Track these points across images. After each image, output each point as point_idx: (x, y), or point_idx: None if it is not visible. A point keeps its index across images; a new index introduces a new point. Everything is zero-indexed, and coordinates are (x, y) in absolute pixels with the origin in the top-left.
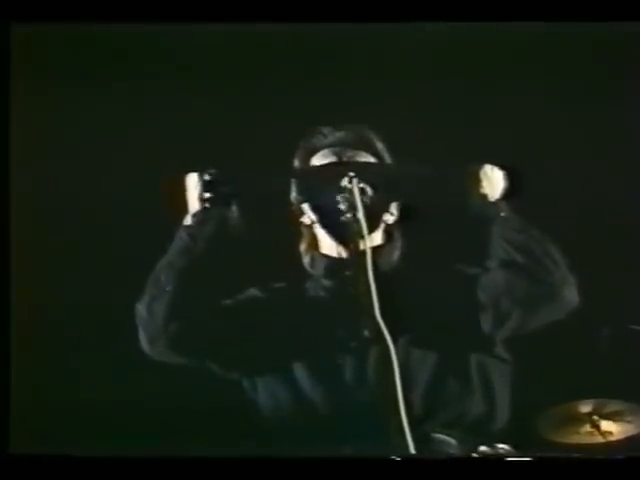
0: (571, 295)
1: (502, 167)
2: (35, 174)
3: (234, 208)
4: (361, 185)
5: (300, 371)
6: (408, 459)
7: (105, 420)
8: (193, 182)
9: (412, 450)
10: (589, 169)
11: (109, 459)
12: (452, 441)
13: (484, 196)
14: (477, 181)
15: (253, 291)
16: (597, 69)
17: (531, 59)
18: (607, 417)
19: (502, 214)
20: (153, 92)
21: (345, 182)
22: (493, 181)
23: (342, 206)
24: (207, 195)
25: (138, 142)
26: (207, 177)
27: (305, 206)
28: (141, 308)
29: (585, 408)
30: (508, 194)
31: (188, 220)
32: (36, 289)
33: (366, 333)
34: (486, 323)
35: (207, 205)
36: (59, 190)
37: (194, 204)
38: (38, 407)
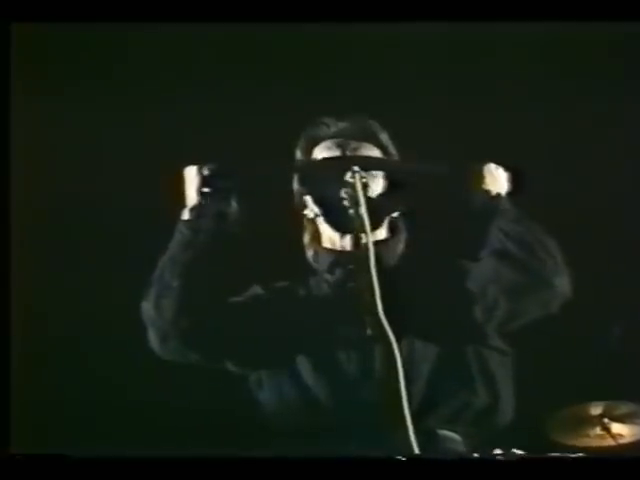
0: (563, 286)
1: (506, 167)
2: (35, 174)
3: (234, 202)
4: (364, 179)
5: (304, 367)
6: (413, 459)
7: (105, 420)
8: (192, 175)
9: (416, 448)
10: (592, 168)
11: (109, 459)
12: (457, 437)
13: (487, 191)
14: (481, 178)
15: (256, 288)
16: (598, 69)
17: (532, 59)
18: (618, 419)
19: (501, 207)
20: (153, 91)
21: (348, 176)
22: (497, 180)
23: (345, 200)
24: (206, 189)
25: (138, 141)
26: (206, 170)
27: (308, 198)
28: (148, 306)
29: (595, 410)
30: (512, 193)
31: (186, 214)
32: (36, 289)
33: (369, 329)
34: (478, 314)
35: (206, 199)
36: (59, 190)
37: (193, 198)
38: (39, 407)
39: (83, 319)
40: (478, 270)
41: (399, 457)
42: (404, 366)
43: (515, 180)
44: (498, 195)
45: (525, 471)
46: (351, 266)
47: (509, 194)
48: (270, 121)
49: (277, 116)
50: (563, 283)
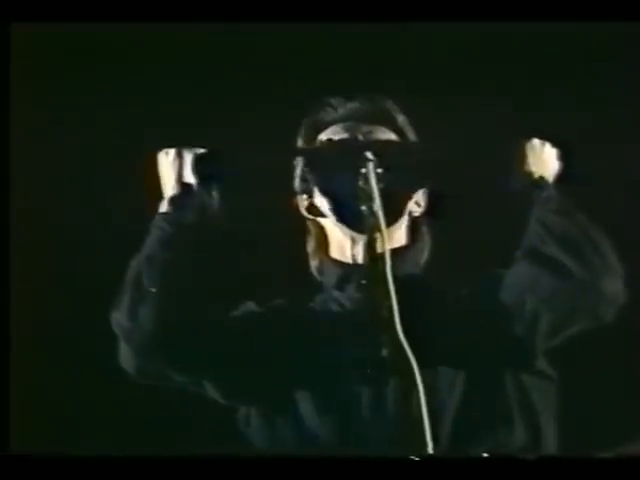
0: (613, 288)
1: (554, 143)
2: (35, 174)
3: (222, 195)
4: (379, 170)
5: (305, 402)
6: (426, 459)
7: (105, 420)
8: (170, 160)
9: None
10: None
11: (109, 458)
12: None
13: (529, 174)
14: (523, 158)
15: (249, 304)
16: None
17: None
18: None
19: (544, 194)
20: (153, 91)
21: (360, 166)
22: (543, 159)
23: (357, 196)
24: (189, 177)
25: (139, 141)
26: (188, 155)
27: (311, 195)
28: (120, 316)
29: None
30: (561, 176)
31: (165, 207)
32: (36, 289)
33: (384, 353)
34: (515, 331)
35: (189, 189)
36: (59, 190)
37: (172, 187)
38: (39, 407)
39: (83, 319)
40: (512, 276)
41: (412, 457)
42: (427, 396)
43: (564, 160)
44: (542, 179)
45: (541, 471)
46: (364, 281)
47: (557, 179)
48: (267, 99)
49: (275, 94)
50: (613, 287)
